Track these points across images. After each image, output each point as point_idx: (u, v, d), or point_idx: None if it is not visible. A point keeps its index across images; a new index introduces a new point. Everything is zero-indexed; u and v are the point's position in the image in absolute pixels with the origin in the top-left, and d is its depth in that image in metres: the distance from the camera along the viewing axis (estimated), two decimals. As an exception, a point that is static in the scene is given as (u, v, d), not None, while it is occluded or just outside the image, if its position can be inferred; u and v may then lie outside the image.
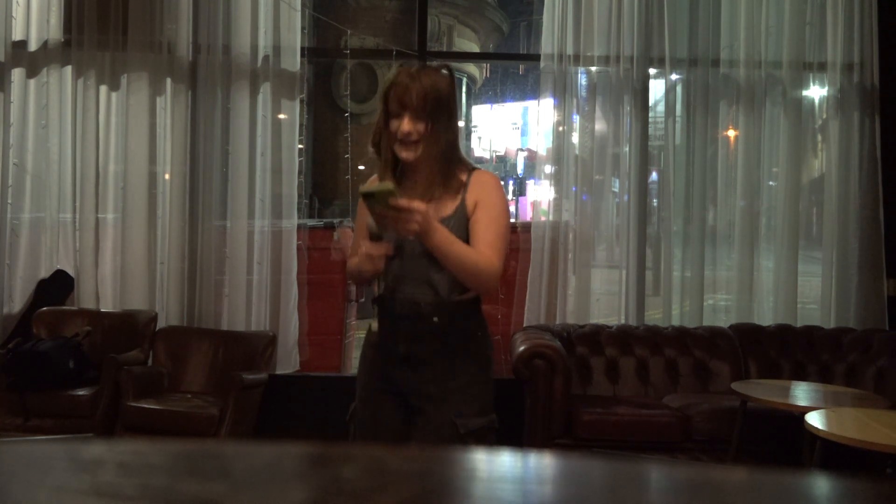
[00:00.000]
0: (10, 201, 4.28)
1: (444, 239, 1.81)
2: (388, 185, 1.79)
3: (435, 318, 1.92)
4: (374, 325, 1.98)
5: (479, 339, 1.98)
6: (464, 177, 1.96)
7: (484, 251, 1.87)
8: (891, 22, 4.39)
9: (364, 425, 2.02)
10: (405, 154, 1.91)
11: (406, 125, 1.88)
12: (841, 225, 4.38)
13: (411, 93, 1.87)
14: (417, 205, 1.75)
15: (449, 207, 1.92)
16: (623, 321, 4.36)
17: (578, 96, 4.42)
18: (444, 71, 1.96)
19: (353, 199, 4.50)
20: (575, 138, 4.41)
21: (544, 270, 4.33)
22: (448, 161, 1.93)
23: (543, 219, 4.44)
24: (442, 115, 1.91)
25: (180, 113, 4.28)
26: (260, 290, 4.28)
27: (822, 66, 4.47)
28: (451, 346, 1.93)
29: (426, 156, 1.91)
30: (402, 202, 1.73)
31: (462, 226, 1.90)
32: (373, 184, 1.96)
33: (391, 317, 1.96)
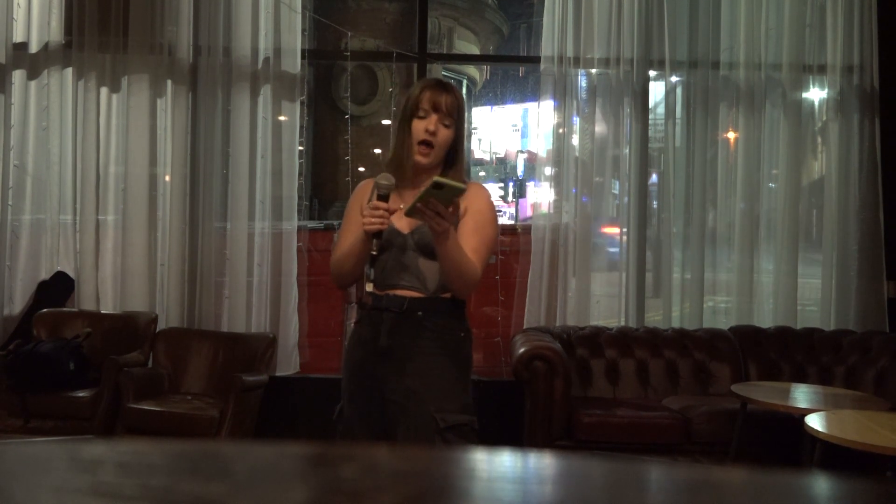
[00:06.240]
0: (10, 203, 4.29)
1: (456, 244, 1.88)
2: (460, 184, 1.80)
3: (419, 313, 1.95)
4: (370, 286, 1.97)
5: (461, 339, 2.01)
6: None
7: (469, 256, 1.92)
8: (890, 24, 4.39)
9: (350, 424, 2.03)
10: (421, 158, 2.00)
11: (433, 123, 1.98)
12: (841, 227, 4.38)
13: (446, 98, 1.99)
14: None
15: None
16: (623, 323, 4.36)
17: (578, 98, 4.42)
18: None
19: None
20: (575, 140, 4.42)
21: (544, 272, 4.33)
22: (458, 169, 2.04)
23: (543, 221, 4.44)
24: (462, 126, 2.05)
25: (181, 115, 4.29)
26: (260, 291, 4.28)
27: (821, 69, 4.48)
28: (433, 343, 1.96)
29: (443, 161, 2.02)
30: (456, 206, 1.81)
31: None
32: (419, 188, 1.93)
33: (376, 309, 1.99)
